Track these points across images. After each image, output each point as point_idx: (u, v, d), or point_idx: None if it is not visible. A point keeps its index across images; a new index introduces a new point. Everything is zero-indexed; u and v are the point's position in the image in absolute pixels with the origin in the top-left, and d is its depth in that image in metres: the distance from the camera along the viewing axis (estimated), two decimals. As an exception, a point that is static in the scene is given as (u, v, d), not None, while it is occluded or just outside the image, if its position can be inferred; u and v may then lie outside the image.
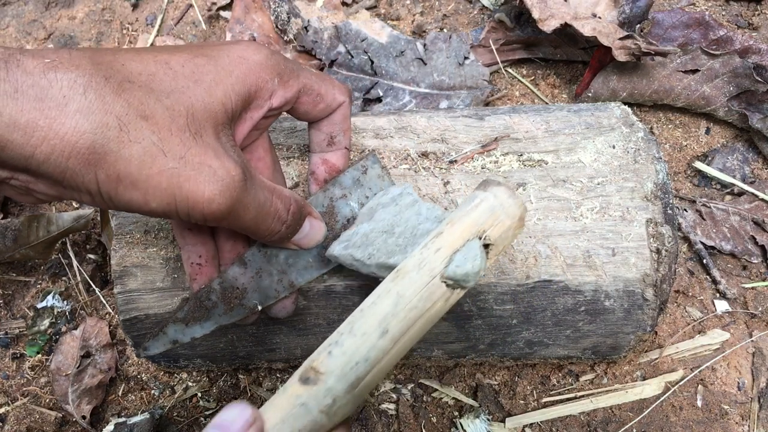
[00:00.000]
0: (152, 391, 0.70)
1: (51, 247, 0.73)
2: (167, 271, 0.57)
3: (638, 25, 0.78)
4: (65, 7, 0.92)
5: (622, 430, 0.67)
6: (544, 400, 0.68)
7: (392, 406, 0.69)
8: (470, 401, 0.68)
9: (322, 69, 0.83)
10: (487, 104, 0.82)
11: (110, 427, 0.64)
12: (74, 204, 0.80)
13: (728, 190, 0.77)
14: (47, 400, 0.70)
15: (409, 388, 0.69)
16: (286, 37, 0.85)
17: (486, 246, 0.42)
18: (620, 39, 0.72)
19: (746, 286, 0.73)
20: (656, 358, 0.69)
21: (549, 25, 0.75)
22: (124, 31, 0.90)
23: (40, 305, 0.74)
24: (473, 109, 0.63)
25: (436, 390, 0.69)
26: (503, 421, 0.67)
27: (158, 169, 0.35)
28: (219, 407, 0.69)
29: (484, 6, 0.88)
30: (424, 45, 0.81)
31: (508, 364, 0.67)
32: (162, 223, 0.58)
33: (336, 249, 0.49)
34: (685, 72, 0.76)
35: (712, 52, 0.74)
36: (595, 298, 0.57)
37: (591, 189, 0.58)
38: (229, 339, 0.60)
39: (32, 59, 0.33)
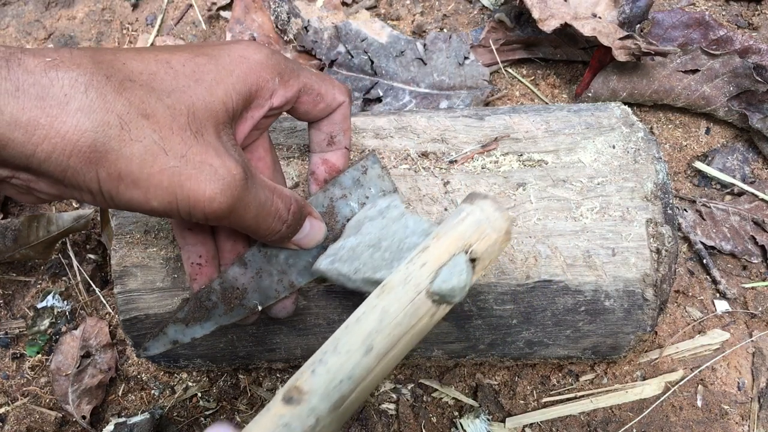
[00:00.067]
0: (152, 391, 0.70)
1: (51, 247, 0.73)
2: (167, 271, 0.57)
3: (638, 25, 0.78)
4: (65, 7, 0.92)
5: (622, 430, 0.67)
6: (544, 400, 0.68)
7: (392, 406, 0.69)
8: (470, 401, 0.68)
9: (322, 69, 0.83)
10: (487, 104, 0.82)
11: (110, 427, 0.64)
12: (74, 204, 0.80)
13: (728, 190, 0.77)
14: (47, 400, 0.70)
15: (409, 388, 0.69)
16: (286, 37, 0.85)
17: (472, 260, 0.41)
18: (620, 39, 0.72)
19: (746, 286, 0.73)
20: (656, 358, 0.69)
21: (549, 25, 0.75)
22: (124, 31, 0.90)
23: (40, 305, 0.74)
24: (473, 109, 0.63)
25: (436, 390, 0.69)
26: (503, 421, 0.67)
27: (159, 168, 0.35)
28: (219, 407, 0.69)
29: (484, 6, 0.88)
30: (424, 45, 0.81)
31: (508, 364, 0.67)
32: (162, 223, 0.58)
33: (322, 263, 0.48)
34: (685, 72, 0.76)
35: (712, 52, 0.74)
36: (595, 298, 0.57)
37: (591, 189, 0.58)
38: (229, 339, 0.60)
39: (33, 58, 0.33)
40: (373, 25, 0.82)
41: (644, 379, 0.69)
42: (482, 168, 0.59)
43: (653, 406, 0.67)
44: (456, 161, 0.60)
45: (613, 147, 0.60)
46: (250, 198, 0.39)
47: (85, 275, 0.75)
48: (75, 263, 0.75)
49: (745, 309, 0.72)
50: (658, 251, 0.57)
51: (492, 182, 0.58)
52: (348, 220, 0.52)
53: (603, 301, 0.57)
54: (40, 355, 0.72)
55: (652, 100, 0.79)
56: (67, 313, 0.74)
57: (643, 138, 0.60)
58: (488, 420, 0.67)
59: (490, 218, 0.41)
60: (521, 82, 0.84)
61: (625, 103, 0.64)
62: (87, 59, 0.35)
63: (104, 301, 0.74)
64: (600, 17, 0.76)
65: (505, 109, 0.63)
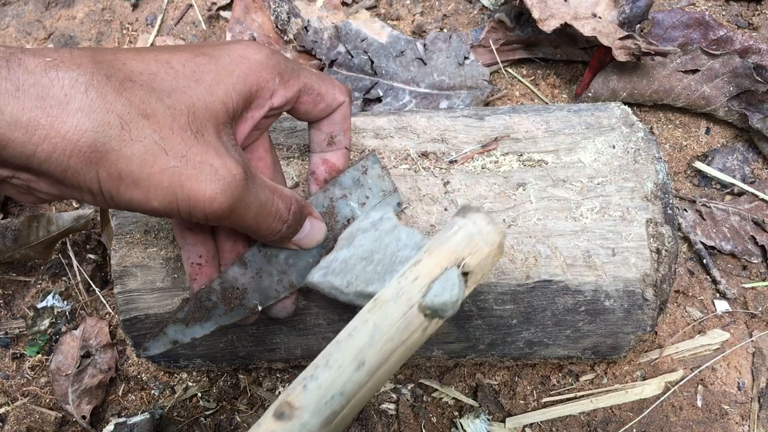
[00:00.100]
0: (152, 391, 0.70)
1: (51, 247, 0.73)
2: (167, 271, 0.57)
3: (638, 25, 0.78)
4: (65, 7, 0.92)
5: (622, 430, 0.67)
6: (544, 400, 0.68)
7: (392, 406, 0.69)
8: (470, 401, 0.68)
9: (322, 69, 0.83)
10: (487, 104, 0.82)
11: (110, 427, 0.64)
12: (74, 204, 0.80)
13: (728, 190, 0.77)
14: (47, 400, 0.70)
15: (409, 388, 0.69)
16: (286, 37, 0.85)
17: (464, 274, 0.41)
18: (620, 39, 0.72)
19: (746, 286, 0.73)
20: (656, 358, 0.69)
21: (549, 25, 0.75)
22: (124, 31, 0.90)
23: (40, 305, 0.74)
24: (473, 109, 0.63)
25: (436, 390, 0.69)
26: (503, 421, 0.67)
27: (160, 168, 0.35)
28: (219, 407, 0.69)
29: (484, 6, 0.88)
30: (424, 45, 0.81)
31: (508, 364, 0.67)
32: (162, 223, 0.58)
33: (315, 276, 0.48)
34: (685, 72, 0.76)
35: (712, 52, 0.74)
36: (595, 298, 0.57)
37: (591, 189, 0.58)
38: (229, 339, 0.60)
39: (33, 58, 0.33)
40: (373, 25, 0.82)
41: (644, 379, 0.69)
42: (482, 168, 0.59)
43: (653, 406, 0.67)
44: (456, 161, 0.60)
45: (613, 147, 0.60)
46: (250, 198, 0.39)
47: (85, 275, 0.75)
48: (75, 263, 0.75)
49: (745, 309, 0.72)
50: (658, 251, 0.57)
51: (492, 182, 0.58)
52: (348, 220, 0.52)
53: (603, 301, 0.57)
54: (40, 355, 0.72)
55: (652, 100, 0.79)
56: (67, 313, 0.74)
57: (643, 138, 0.60)
58: (488, 420, 0.67)
59: (483, 232, 0.41)
60: (521, 82, 0.84)
61: (625, 103, 0.64)
62: (87, 59, 0.35)
63: (104, 301, 0.74)
64: (600, 17, 0.76)
65: (505, 109, 0.63)
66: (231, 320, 0.50)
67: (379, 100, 0.80)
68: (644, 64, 0.76)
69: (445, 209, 0.58)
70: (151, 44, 0.88)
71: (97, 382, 0.69)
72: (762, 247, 0.73)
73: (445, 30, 0.87)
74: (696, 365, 0.69)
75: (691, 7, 0.87)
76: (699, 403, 0.68)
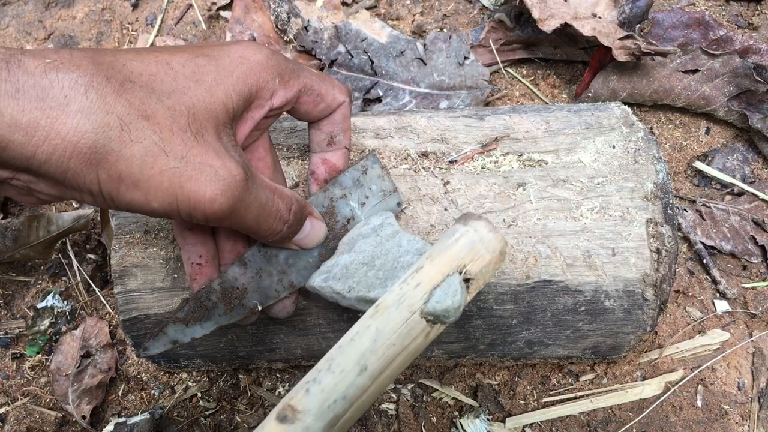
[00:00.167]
0: (152, 391, 0.70)
1: (51, 247, 0.73)
2: (167, 271, 0.57)
3: (638, 25, 0.78)
4: (65, 7, 0.92)
5: (622, 430, 0.67)
6: (544, 400, 0.68)
7: (392, 406, 0.69)
8: (470, 401, 0.68)
9: (322, 69, 0.83)
10: (487, 104, 0.82)
11: (110, 427, 0.64)
12: (74, 204, 0.80)
13: (728, 190, 0.77)
14: (47, 400, 0.70)
15: (409, 388, 0.69)
16: (286, 37, 0.85)
17: (466, 281, 0.41)
18: (620, 39, 0.72)
19: (746, 286, 0.73)
20: (656, 358, 0.69)
21: (549, 25, 0.75)
22: (124, 31, 0.90)
23: (40, 305, 0.74)
24: (473, 109, 0.63)
25: (436, 390, 0.69)
26: (503, 421, 0.67)
27: (160, 169, 0.35)
28: (219, 407, 0.69)
29: (484, 6, 0.88)
30: (424, 45, 0.81)
31: (508, 364, 0.67)
32: (162, 223, 0.58)
33: (316, 281, 0.49)
34: (685, 72, 0.76)
35: (712, 52, 0.74)
36: (595, 298, 0.57)
37: (591, 189, 0.58)
38: (229, 339, 0.60)
39: (33, 59, 0.33)
40: (373, 25, 0.82)
41: (644, 379, 0.69)
42: (482, 168, 0.59)
43: (653, 406, 0.67)
44: (456, 161, 0.60)
45: (613, 147, 0.60)
46: (250, 198, 0.39)
47: (85, 275, 0.75)
48: (75, 263, 0.75)
49: (745, 309, 0.72)
50: (658, 251, 0.57)
51: (492, 182, 0.58)
52: (348, 220, 0.52)
53: (603, 301, 0.57)
54: (40, 355, 0.72)
55: (652, 100, 0.79)
56: (67, 313, 0.74)
57: (643, 138, 0.60)
58: (488, 420, 0.67)
59: (484, 239, 0.41)
60: (521, 82, 0.84)
61: (625, 103, 0.64)
62: (87, 60, 0.35)
63: (104, 301, 0.74)
64: (600, 17, 0.76)
65: (505, 109, 0.63)
66: (231, 320, 0.50)
67: (379, 100, 0.80)
68: (644, 64, 0.76)
69: (445, 209, 0.58)
70: (151, 44, 0.88)
71: (97, 382, 0.69)
72: (762, 247, 0.73)
73: (445, 30, 0.87)
74: (696, 365, 0.69)
75: (691, 7, 0.87)
76: (699, 403, 0.68)
